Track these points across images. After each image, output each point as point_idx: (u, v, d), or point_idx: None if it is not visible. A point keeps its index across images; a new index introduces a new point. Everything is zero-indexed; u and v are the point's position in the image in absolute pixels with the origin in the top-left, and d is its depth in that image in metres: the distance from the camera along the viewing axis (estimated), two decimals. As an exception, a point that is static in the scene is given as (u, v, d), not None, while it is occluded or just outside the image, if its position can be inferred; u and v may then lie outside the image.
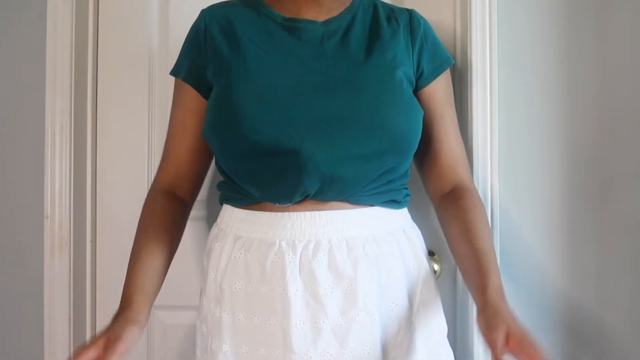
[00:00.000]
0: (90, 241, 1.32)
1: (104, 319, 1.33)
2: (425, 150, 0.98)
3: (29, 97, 1.28)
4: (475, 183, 1.15)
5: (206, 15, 0.98)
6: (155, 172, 1.03)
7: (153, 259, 0.91)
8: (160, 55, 1.31)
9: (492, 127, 1.16)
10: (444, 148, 0.98)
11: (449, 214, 0.96)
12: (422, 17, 1.01)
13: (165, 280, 1.30)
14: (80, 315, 1.30)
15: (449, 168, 0.99)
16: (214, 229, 0.98)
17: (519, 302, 1.17)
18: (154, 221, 0.94)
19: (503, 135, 1.17)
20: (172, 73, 1.02)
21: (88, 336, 1.31)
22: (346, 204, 0.90)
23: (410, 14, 1.00)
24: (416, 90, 0.97)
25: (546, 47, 1.17)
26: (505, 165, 1.17)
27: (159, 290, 0.92)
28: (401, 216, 0.97)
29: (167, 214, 0.96)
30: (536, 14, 1.18)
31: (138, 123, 1.31)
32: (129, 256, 1.29)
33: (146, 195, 1.00)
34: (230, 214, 0.95)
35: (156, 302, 1.28)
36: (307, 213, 0.88)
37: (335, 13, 0.96)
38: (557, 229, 1.17)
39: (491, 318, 0.77)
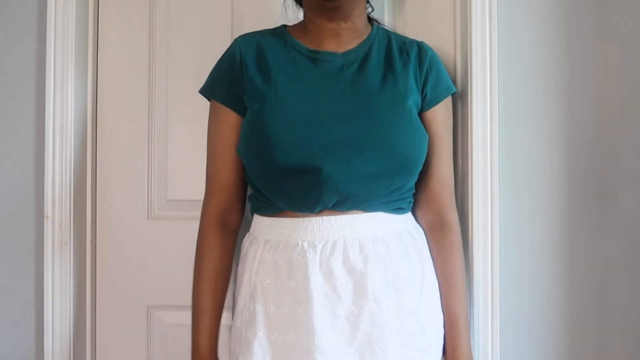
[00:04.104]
0: (90, 241, 1.32)
1: (104, 319, 1.33)
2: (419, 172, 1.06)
3: (29, 97, 1.28)
4: (476, 183, 1.16)
5: (241, 44, 1.06)
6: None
7: (216, 315, 1.07)
8: (161, 55, 1.31)
9: (492, 127, 1.16)
10: (435, 171, 1.08)
11: (433, 252, 1.09)
12: (429, 48, 1.10)
13: (165, 280, 1.31)
14: (80, 315, 1.30)
15: (435, 192, 1.09)
16: (248, 237, 1.08)
17: (519, 302, 1.18)
18: (210, 272, 1.07)
19: (503, 135, 1.17)
20: (206, 94, 1.10)
21: (88, 336, 1.31)
22: (359, 211, 1.00)
23: (419, 46, 1.10)
24: (419, 113, 1.06)
25: (546, 46, 1.18)
26: (505, 165, 1.18)
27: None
28: (406, 219, 1.07)
29: (221, 261, 1.08)
30: (536, 14, 1.18)
31: (138, 123, 1.31)
32: (128, 256, 1.30)
33: (199, 226, 1.08)
34: (260, 222, 1.05)
35: (156, 302, 1.30)
36: (325, 217, 0.99)
37: (353, 45, 1.06)
38: (557, 229, 1.17)
39: None
